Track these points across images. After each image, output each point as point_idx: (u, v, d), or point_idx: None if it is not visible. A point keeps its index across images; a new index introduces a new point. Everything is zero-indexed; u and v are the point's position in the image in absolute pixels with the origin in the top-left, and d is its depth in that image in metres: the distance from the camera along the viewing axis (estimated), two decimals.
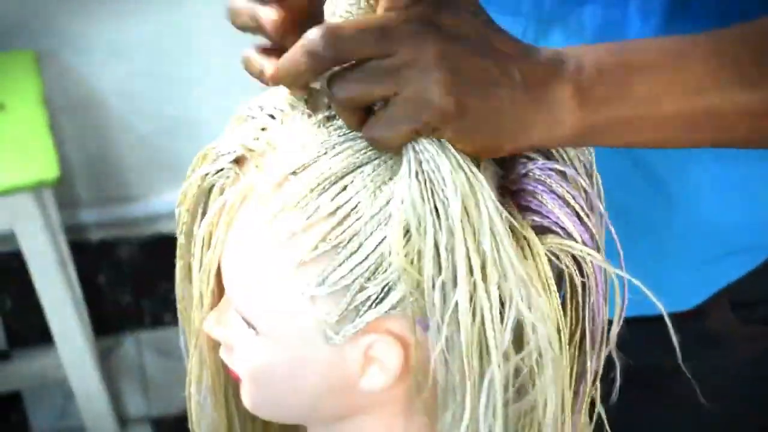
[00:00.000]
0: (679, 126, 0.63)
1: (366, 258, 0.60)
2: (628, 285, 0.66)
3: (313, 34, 0.56)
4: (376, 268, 0.60)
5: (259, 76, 0.61)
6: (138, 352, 2.15)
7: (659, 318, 0.63)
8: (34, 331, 1.90)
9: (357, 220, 0.60)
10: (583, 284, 0.66)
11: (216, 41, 1.95)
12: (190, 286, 0.73)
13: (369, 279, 0.60)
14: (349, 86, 0.57)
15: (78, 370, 1.69)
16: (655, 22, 0.78)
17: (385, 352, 0.63)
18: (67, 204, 2.03)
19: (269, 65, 0.61)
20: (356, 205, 0.60)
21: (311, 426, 0.76)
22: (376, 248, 0.60)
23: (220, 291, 0.71)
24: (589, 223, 0.65)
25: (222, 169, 0.66)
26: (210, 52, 1.98)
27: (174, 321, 2.21)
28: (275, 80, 0.60)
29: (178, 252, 0.73)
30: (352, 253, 0.60)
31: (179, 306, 0.76)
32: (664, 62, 0.62)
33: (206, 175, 0.67)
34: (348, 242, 0.60)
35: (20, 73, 1.72)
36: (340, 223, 0.60)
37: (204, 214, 0.69)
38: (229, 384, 0.78)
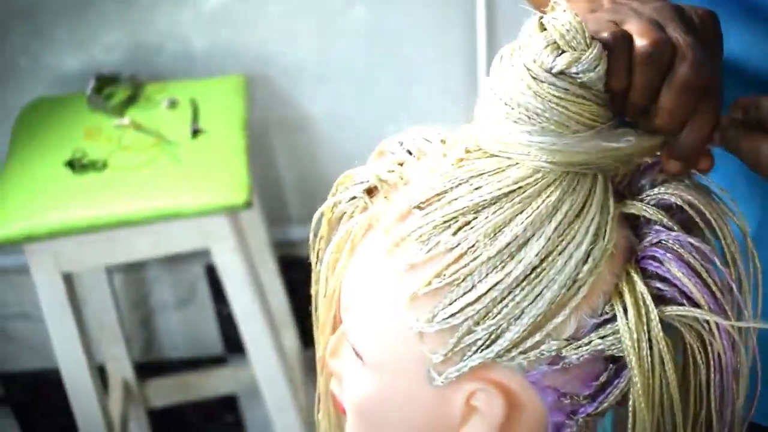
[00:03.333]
0: None
1: (477, 300, 0.61)
2: None
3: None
4: (487, 313, 0.61)
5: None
6: None
7: None
8: None
9: (473, 260, 0.61)
10: (708, 361, 0.63)
11: (424, 65, 2.00)
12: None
13: (478, 323, 0.61)
14: None
15: (268, 381, 1.76)
16: None
17: (488, 402, 0.63)
18: (278, 221, 2.13)
19: None
20: (474, 245, 0.61)
21: None
22: (488, 291, 0.60)
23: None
24: (720, 297, 0.62)
25: (354, 198, 0.68)
26: (418, 76, 2.01)
27: None
28: None
29: (313, 277, 0.75)
30: (464, 293, 0.61)
31: (315, 332, 0.79)
32: None
33: (339, 202, 0.70)
34: (462, 281, 0.61)
35: (228, 98, 1.81)
36: (456, 261, 0.61)
37: None
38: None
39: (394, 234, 0.63)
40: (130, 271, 2.18)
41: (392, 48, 1.98)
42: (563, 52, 0.60)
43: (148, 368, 2.16)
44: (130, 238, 1.60)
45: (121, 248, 1.62)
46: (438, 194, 0.62)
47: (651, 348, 0.61)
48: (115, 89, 1.80)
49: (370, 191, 0.68)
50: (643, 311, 0.61)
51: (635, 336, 0.61)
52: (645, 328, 0.61)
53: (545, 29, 0.60)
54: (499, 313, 0.60)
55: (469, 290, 0.60)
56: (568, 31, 0.59)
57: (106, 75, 1.81)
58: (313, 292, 0.75)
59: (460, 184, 0.62)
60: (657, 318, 0.61)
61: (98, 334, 2.01)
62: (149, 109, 1.77)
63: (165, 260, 2.14)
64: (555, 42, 0.60)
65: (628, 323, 0.61)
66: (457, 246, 0.61)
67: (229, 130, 1.73)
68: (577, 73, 0.60)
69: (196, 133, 1.70)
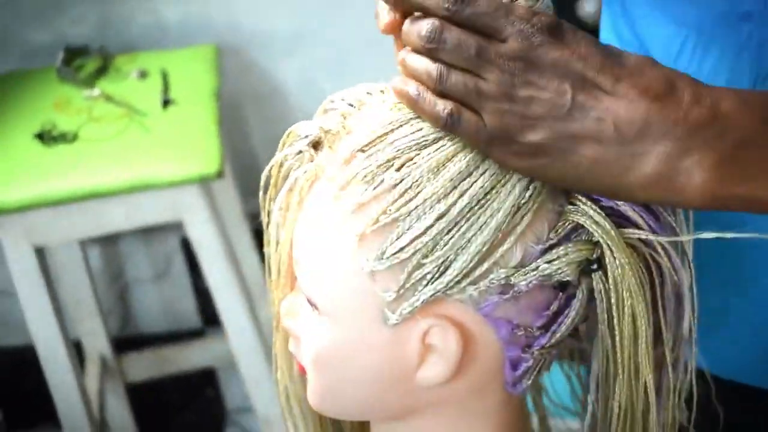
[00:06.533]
0: None
1: (423, 233, 0.62)
2: (751, 351, 0.65)
3: None
4: (434, 245, 0.62)
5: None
6: None
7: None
8: None
9: (418, 194, 0.62)
10: (653, 279, 0.65)
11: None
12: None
13: (426, 255, 0.62)
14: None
15: (245, 353, 1.76)
16: None
17: (443, 338, 0.64)
18: (253, 192, 2.11)
19: None
20: (418, 179, 0.62)
21: (374, 425, 0.77)
22: (434, 224, 0.61)
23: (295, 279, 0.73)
24: (661, 218, 0.64)
25: (300, 152, 0.69)
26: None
27: None
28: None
29: (265, 239, 0.76)
30: (410, 227, 0.62)
31: (270, 292, 0.79)
32: None
33: (285, 159, 0.70)
34: (407, 216, 0.62)
35: (198, 69, 1.80)
36: (401, 196, 0.62)
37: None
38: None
39: (339, 179, 0.64)
40: (105, 245, 2.16)
41: (365, 15, 1.96)
42: None
43: (126, 343, 2.15)
44: (102, 210, 1.59)
45: (93, 221, 1.61)
46: (380, 136, 0.64)
47: (614, 259, 0.62)
48: (85, 61, 1.79)
49: (315, 145, 0.68)
50: (603, 225, 0.62)
51: (611, 242, 0.62)
52: (608, 237, 0.62)
53: None
54: (446, 244, 0.61)
55: (415, 223, 0.62)
56: None
57: (75, 47, 1.79)
58: (265, 252, 0.76)
59: (400, 125, 0.63)
60: (616, 231, 0.62)
61: (74, 309, 2.00)
62: (119, 80, 1.76)
63: (140, 233, 2.13)
64: None
65: (600, 232, 0.62)
66: (401, 182, 0.62)
67: (200, 100, 1.72)
68: None
69: (166, 103, 1.69)
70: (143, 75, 1.76)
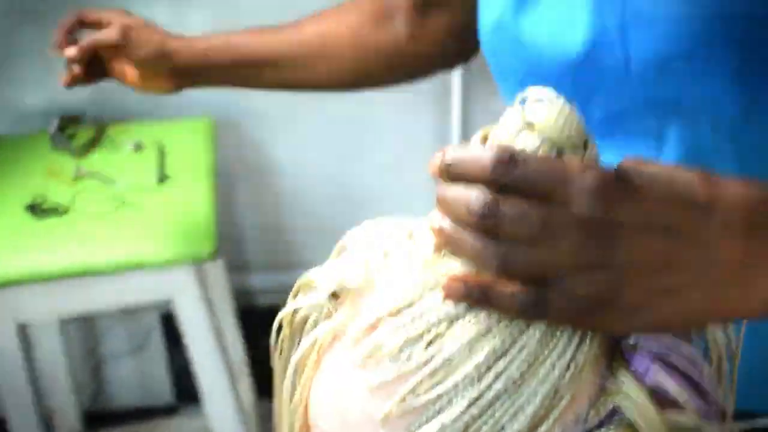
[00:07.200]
0: None
1: (456, 419, 0.56)
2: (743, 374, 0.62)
3: (493, 152, 0.52)
4: (466, 428, 0.56)
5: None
6: None
7: None
8: None
9: (449, 375, 0.56)
10: None
11: (391, 115, 1.97)
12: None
13: None
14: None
15: None
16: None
17: None
18: (239, 268, 2.07)
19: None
20: (449, 359, 0.56)
21: None
22: (467, 409, 0.55)
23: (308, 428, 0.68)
24: (708, 398, 0.59)
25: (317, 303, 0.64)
26: (385, 125, 1.98)
27: None
28: (446, 172, 0.55)
29: (276, 381, 0.70)
30: (440, 410, 0.56)
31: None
32: None
33: (299, 308, 0.65)
34: (437, 400, 0.56)
35: (195, 142, 1.76)
36: (430, 377, 0.56)
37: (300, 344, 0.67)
38: None
39: (363, 347, 0.58)
40: (83, 319, 2.10)
41: (360, 95, 1.94)
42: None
43: (99, 417, 2.08)
44: (91, 288, 1.53)
45: (80, 299, 1.55)
46: (408, 303, 0.58)
47: None
48: (78, 129, 1.74)
49: (336, 295, 0.63)
50: (648, 414, 0.57)
51: (648, 423, 0.57)
52: (651, 426, 0.57)
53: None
54: (478, 430, 0.56)
55: (446, 408, 0.56)
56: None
57: (70, 115, 1.74)
58: (276, 402, 0.70)
59: (430, 290, 0.58)
60: (661, 419, 0.57)
61: (48, 381, 1.93)
62: (114, 151, 1.71)
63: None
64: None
65: (638, 416, 0.57)
66: (431, 360, 0.56)
67: (197, 176, 1.68)
68: None
69: (162, 179, 1.64)
70: (139, 147, 1.72)
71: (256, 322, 2.14)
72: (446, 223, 0.55)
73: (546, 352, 0.56)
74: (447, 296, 0.56)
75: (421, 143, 2.00)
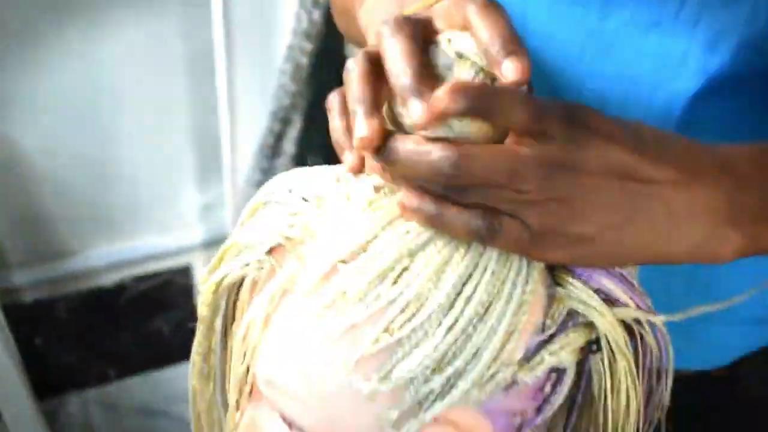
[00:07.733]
0: None
1: (434, 349, 0.56)
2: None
3: (442, 152, 0.53)
4: (444, 360, 0.56)
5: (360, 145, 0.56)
6: (84, 411, 2.08)
7: (693, 375, 0.62)
8: None
9: (420, 308, 0.56)
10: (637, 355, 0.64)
11: (145, 90, 1.91)
12: (208, 385, 0.69)
13: (435, 371, 0.56)
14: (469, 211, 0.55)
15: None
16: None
17: None
18: None
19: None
20: (418, 292, 0.56)
21: None
22: (444, 338, 0.56)
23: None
24: (636, 286, 0.63)
25: (247, 264, 0.62)
26: (138, 101, 1.92)
27: (119, 375, 2.15)
28: (390, 165, 0.56)
29: (197, 349, 0.68)
30: (417, 344, 0.56)
31: (193, 409, 0.71)
32: None
33: (230, 271, 0.62)
34: (412, 334, 0.56)
35: None
36: (402, 312, 0.56)
37: (226, 307, 0.66)
38: None
39: (322, 295, 0.57)
40: None
41: (108, 73, 1.88)
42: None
43: None
44: None
45: None
46: (362, 245, 0.58)
47: (610, 342, 0.62)
48: None
49: (271, 252, 0.62)
50: (600, 310, 0.61)
51: (609, 327, 0.61)
52: (607, 320, 0.61)
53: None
54: (456, 357, 0.56)
55: (423, 341, 0.56)
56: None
57: None
58: (195, 364, 0.69)
59: (383, 228, 0.58)
60: (611, 314, 0.61)
61: None
62: None
63: None
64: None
65: (597, 316, 0.61)
66: (400, 296, 0.56)
67: None
68: None
69: None
70: None
71: (22, 318, 2.05)
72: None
73: (506, 271, 0.58)
74: (404, 215, 0.57)
75: (174, 110, 1.94)
